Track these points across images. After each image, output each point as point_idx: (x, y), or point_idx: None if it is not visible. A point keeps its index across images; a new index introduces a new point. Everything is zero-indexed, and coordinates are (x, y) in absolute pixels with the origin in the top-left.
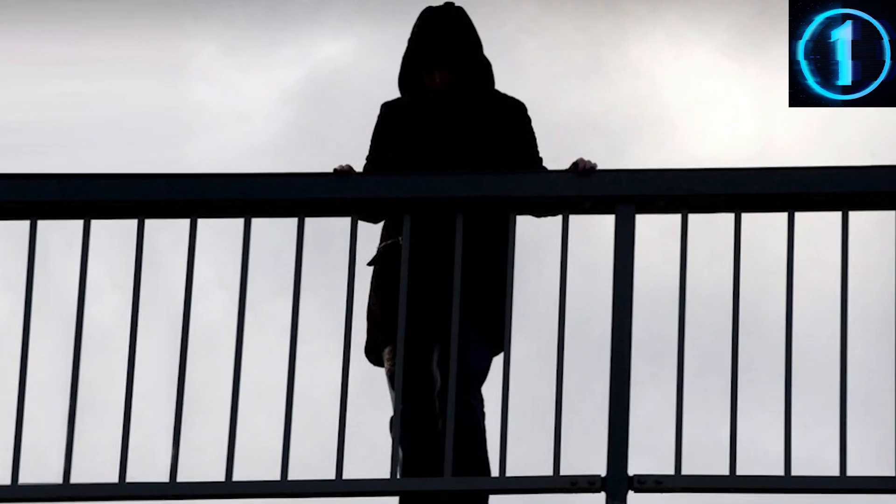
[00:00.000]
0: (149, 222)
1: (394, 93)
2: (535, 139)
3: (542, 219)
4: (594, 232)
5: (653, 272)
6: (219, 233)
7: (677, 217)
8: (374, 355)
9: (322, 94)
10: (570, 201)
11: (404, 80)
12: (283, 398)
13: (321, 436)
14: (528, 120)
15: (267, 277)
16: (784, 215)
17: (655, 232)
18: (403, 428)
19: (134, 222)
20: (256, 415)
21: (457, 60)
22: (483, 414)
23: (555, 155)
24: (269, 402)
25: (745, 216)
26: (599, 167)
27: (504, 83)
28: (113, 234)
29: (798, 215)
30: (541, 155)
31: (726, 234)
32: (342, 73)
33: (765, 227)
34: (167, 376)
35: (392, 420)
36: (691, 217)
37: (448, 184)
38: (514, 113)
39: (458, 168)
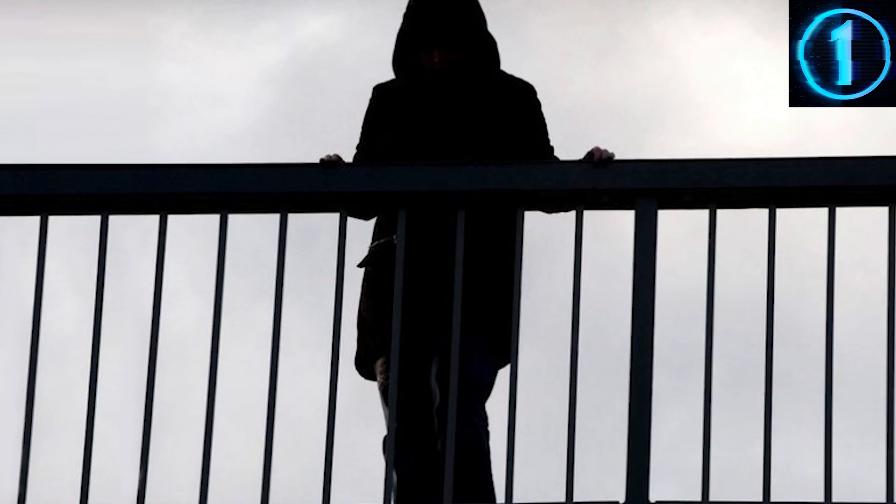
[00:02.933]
0: (113, 219)
1: (387, 74)
2: (545, 126)
3: (554, 215)
4: (612, 230)
5: (677, 274)
6: (192, 230)
7: (705, 213)
8: (365, 368)
9: (307, 75)
10: (585, 195)
11: (399, 59)
12: (264, 415)
13: (306, 457)
14: (538, 104)
15: (245, 280)
16: (824, 211)
17: (680, 230)
18: (398, 449)
19: (97, 219)
20: (234, 434)
21: (458, 38)
22: (487, 433)
23: (568, 143)
24: (247, 419)
25: (780, 212)
26: (618, 157)
27: (511, 63)
28: (73, 232)
29: (840, 211)
30: (552, 144)
31: (759, 232)
32: (329, 51)
33: (803, 225)
34: (134, 391)
35: (385, 440)
36: (720, 213)
37: (448, 176)
38: (522, 97)
39: (459, 158)
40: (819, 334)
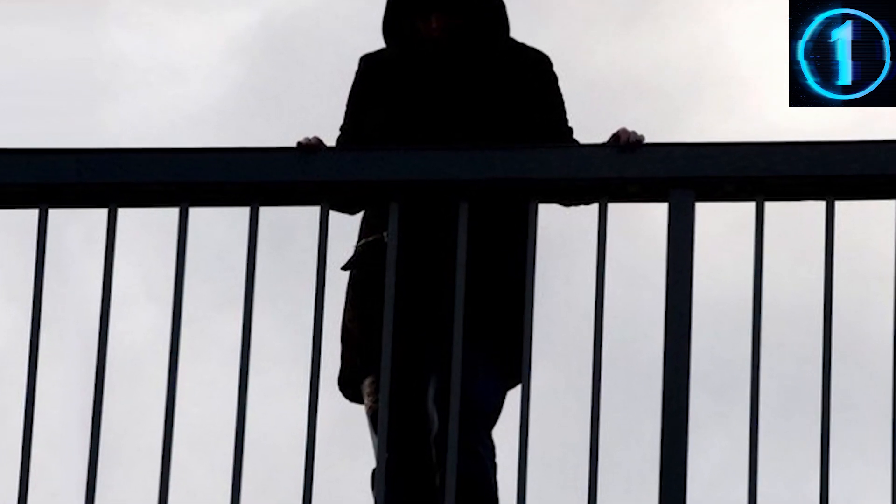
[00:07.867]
0: (53, 213)
1: (376, 42)
2: (562, 103)
3: (573, 208)
4: (641, 225)
5: (718, 278)
6: (146, 226)
7: (751, 206)
8: (350, 388)
9: (281, 45)
10: (610, 185)
11: (390, 25)
12: (231, 444)
13: (280, 494)
14: (554, 78)
15: (209, 285)
16: (891, 203)
17: (722, 225)
18: (389, 484)
19: (34, 213)
20: (195, 466)
21: (459, 0)
22: (494, 465)
23: (589, 124)
24: (211, 448)
25: (839, 204)
26: (648, 140)
27: (522, 30)
28: (7, 229)
29: None
30: (570, 124)
31: (815, 229)
32: (307, 16)
33: (866, 220)
34: (78, 415)
35: (374, 473)
36: (769, 206)
37: (448, 162)
38: (535, 69)
39: (461, 141)
40: (885, 349)
